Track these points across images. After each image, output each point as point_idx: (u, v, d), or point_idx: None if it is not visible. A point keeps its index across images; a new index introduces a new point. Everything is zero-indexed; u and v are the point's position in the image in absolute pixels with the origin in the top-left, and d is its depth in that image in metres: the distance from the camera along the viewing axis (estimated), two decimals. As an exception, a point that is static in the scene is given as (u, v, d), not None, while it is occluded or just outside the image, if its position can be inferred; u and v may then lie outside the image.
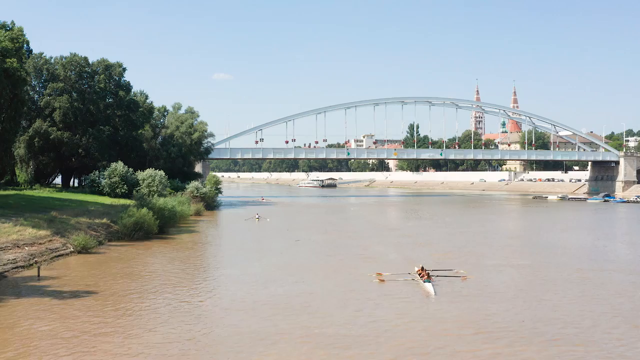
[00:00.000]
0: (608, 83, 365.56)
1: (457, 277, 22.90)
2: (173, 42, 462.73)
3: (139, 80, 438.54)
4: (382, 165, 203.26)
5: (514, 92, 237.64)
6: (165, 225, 39.81)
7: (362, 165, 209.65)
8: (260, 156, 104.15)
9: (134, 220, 35.18)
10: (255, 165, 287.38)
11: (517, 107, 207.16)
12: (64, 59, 60.57)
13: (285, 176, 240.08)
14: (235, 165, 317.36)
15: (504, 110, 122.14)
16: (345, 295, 21.05)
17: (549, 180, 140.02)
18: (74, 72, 60.04)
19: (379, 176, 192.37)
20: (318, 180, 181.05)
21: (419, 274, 22.56)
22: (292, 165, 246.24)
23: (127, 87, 65.06)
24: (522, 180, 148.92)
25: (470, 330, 16.53)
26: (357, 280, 23.71)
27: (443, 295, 20.26)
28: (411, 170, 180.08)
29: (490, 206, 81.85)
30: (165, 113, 77.53)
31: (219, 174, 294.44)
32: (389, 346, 15.01)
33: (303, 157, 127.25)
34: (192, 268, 27.33)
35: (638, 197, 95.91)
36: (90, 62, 61.85)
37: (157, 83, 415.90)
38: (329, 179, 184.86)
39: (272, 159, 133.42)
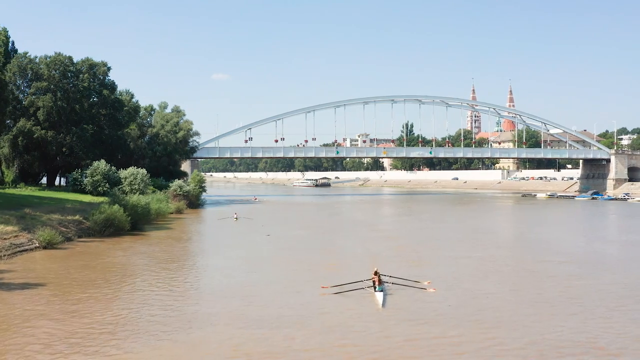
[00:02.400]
0: (603, 81, 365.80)
1: (419, 288, 20.15)
2: (172, 43, 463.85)
3: (136, 80, 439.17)
4: (376, 165, 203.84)
5: (510, 91, 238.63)
6: (139, 222, 40.35)
7: (356, 165, 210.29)
8: (249, 155, 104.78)
9: (105, 216, 35.75)
10: (251, 165, 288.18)
11: (512, 105, 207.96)
12: (48, 58, 61.17)
13: (280, 176, 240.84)
14: (231, 165, 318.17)
15: (494, 109, 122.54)
16: (288, 284, 21.74)
17: (541, 178, 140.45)
18: (58, 71, 60.61)
19: (373, 175, 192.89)
20: (312, 179, 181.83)
21: (372, 281, 19.87)
22: (287, 165, 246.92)
23: (112, 86, 65.67)
24: (515, 178, 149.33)
25: (395, 315, 17.17)
26: (307, 271, 24.44)
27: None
28: (405, 169, 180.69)
29: (475, 204, 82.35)
30: (152, 112, 78.17)
31: (216, 174, 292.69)
32: (310, 327, 15.63)
33: (292, 155, 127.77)
34: (152, 261, 27.94)
35: (626, 194, 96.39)
36: (75, 62, 62.47)
37: (155, 84, 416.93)
38: (323, 178, 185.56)
39: (262, 157, 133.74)
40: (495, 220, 57.03)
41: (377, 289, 19.20)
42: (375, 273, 20.05)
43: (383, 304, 18.14)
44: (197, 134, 79.98)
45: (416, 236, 38.93)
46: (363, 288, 19.75)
